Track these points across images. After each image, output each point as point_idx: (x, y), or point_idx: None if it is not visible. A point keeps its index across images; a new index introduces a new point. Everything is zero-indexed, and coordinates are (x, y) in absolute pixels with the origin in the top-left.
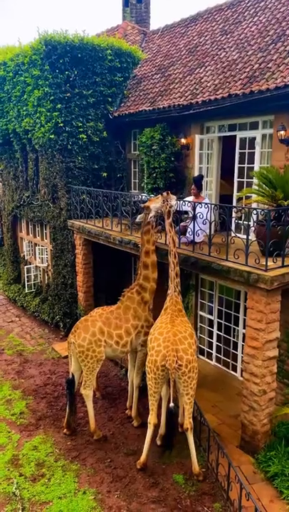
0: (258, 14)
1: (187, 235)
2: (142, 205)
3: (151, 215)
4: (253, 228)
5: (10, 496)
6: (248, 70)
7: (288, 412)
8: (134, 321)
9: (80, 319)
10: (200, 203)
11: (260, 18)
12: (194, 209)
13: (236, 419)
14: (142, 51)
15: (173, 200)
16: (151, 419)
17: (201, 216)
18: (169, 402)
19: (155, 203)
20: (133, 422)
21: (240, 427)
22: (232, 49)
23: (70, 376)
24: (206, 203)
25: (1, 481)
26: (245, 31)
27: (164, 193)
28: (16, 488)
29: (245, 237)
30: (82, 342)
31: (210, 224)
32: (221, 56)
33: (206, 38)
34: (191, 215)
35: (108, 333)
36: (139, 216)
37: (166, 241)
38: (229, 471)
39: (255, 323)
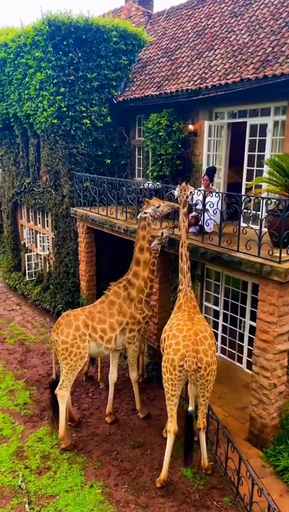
0: None
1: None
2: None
3: (147, 211)
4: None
5: (16, 489)
6: (260, 53)
7: None
8: (118, 317)
9: (62, 315)
10: (211, 192)
11: (272, 0)
12: (204, 198)
13: (243, 411)
14: (147, 33)
15: (190, 189)
16: (171, 426)
17: (212, 205)
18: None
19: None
20: (138, 413)
21: (247, 420)
22: (242, 32)
23: (54, 377)
24: (217, 192)
25: (7, 474)
26: (256, 13)
27: (183, 183)
28: (21, 482)
29: (257, 227)
30: (65, 338)
31: (221, 214)
32: (231, 39)
33: (215, 21)
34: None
35: (92, 327)
36: (140, 214)
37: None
38: (240, 466)
39: (266, 316)
